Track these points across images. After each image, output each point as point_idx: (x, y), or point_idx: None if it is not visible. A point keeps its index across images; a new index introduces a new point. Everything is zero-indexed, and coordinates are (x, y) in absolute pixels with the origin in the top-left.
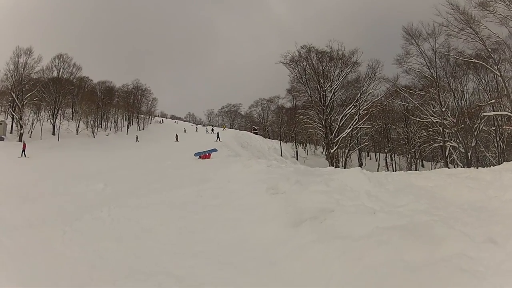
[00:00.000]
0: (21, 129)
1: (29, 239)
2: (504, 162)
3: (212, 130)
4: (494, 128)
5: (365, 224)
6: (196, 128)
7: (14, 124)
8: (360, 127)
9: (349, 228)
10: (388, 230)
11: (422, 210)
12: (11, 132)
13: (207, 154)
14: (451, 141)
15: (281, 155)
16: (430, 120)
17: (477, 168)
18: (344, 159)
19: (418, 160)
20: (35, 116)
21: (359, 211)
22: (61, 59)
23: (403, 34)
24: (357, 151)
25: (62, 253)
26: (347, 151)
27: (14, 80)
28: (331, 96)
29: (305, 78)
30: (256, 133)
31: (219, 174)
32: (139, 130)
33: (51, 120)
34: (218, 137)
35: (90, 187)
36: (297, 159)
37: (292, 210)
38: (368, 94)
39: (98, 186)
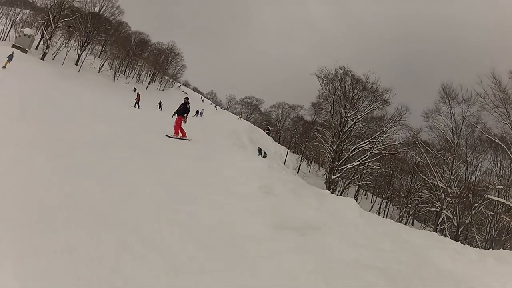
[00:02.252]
0: (47, 49)
1: None
2: (491, 249)
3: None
4: (492, 213)
5: (344, 252)
6: (215, 107)
7: (42, 42)
8: (368, 165)
9: (327, 251)
10: (366, 267)
11: (403, 262)
12: (36, 48)
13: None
14: (448, 211)
15: (284, 163)
16: (436, 183)
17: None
18: (341, 189)
19: (410, 217)
20: (64, 41)
21: (343, 238)
22: None
23: (440, 90)
24: (356, 186)
25: None
26: (347, 182)
27: (55, 1)
28: (351, 125)
29: (333, 98)
30: (268, 134)
31: (222, 157)
32: (159, 89)
33: (78, 50)
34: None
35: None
36: (297, 172)
37: (278, 214)
38: (387, 136)
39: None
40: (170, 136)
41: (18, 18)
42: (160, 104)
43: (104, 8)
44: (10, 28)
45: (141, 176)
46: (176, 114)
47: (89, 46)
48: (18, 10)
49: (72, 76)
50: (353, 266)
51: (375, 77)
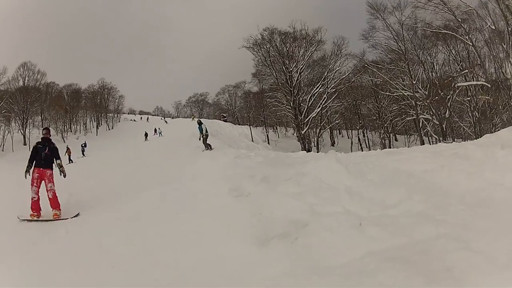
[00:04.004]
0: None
1: None
2: (487, 134)
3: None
4: (468, 98)
5: (349, 246)
6: (165, 121)
7: None
8: (330, 106)
9: (328, 253)
10: (381, 260)
11: (419, 212)
12: None
13: None
14: (424, 114)
15: (252, 141)
16: (401, 93)
17: (453, 140)
18: (316, 139)
19: (391, 135)
20: (5, 128)
21: (340, 222)
22: (25, 67)
23: (367, 8)
24: (329, 130)
25: None
26: (318, 130)
27: None
28: (298, 77)
29: (270, 60)
30: (225, 121)
31: (185, 170)
32: (108, 129)
33: (21, 131)
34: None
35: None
36: (268, 143)
37: (257, 222)
38: (335, 72)
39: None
40: (29, 219)
41: None
42: (82, 149)
43: (26, 79)
44: None
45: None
46: (38, 167)
47: (29, 121)
48: None
49: (25, 158)
50: (364, 267)
51: (301, 24)
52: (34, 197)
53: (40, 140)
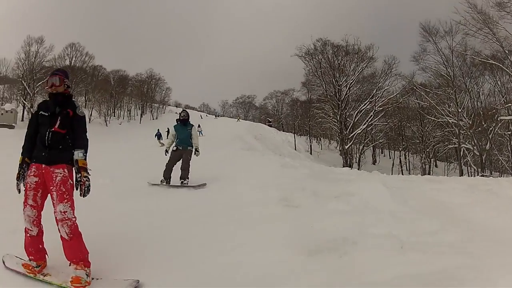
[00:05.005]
0: (77, 103)
1: None
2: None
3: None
4: (509, 132)
5: (390, 266)
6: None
7: (25, 112)
8: (375, 124)
9: (371, 270)
10: (417, 283)
11: (451, 242)
12: (22, 120)
13: None
14: (466, 143)
15: (295, 149)
16: (445, 120)
17: (491, 173)
18: (358, 155)
19: (432, 160)
20: None
21: (384, 244)
22: (73, 48)
23: (420, 31)
24: (371, 148)
25: None
26: (361, 147)
27: (25, 68)
28: (347, 91)
29: (321, 71)
30: (270, 125)
31: (228, 171)
32: (152, 119)
33: None
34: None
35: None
36: (310, 153)
37: (307, 234)
38: (384, 91)
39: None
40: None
41: None
42: (158, 136)
43: (74, 59)
44: None
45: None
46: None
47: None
48: None
49: None
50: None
51: (354, 39)
52: (31, 230)
53: (46, 99)
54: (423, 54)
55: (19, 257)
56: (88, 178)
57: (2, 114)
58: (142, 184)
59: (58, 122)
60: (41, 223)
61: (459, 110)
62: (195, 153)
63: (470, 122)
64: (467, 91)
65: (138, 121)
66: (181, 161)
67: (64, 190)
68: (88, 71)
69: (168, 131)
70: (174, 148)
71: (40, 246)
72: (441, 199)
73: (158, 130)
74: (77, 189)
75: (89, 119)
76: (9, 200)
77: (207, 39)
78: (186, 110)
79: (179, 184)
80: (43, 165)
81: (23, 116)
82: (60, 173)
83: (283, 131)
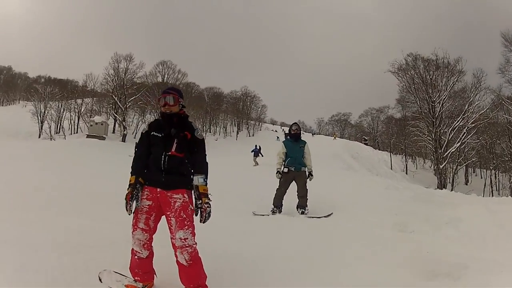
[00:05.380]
0: (124, 130)
1: None
2: None
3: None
4: None
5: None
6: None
7: (116, 125)
8: (468, 142)
9: None
10: None
11: None
12: (113, 132)
13: None
14: None
15: (391, 168)
16: None
17: None
18: (452, 175)
19: None
20: (139, 118)
21: (492, 268)
22: (164, 65)
23: (502, 40)
24: (464, 167)
25: None
26: (455, 167)
27: (115, 84)
28: (440, 108)
29: (414, 87)
30: (366, 144)
31: (336, 194)
32: (248, 136)
33: None
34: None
35: None
36: (406, 173)
37: (423, 258)
38: (475, 106)
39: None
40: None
41: (83, 109)
42: (255, 152)
43: (166, 76)
44: (78, 120)
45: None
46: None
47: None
48: (79, 101)
49: None
50: None
51: (443, 52)
52: (140, 253)
53: (158, 118)
54: (507, 65)
55: (120, 274)
56: (210, 204)
57: (91, 125)
58: (247, 209)
59: (175, 145)
60: (152, 245)
61: None
62: (308, 177)
63: None
64: None
65: (234, 137)
66: (295, 186)
67: (184, 216)
68: (181, 88)
69: (257, 149)
70: (285, 170)
71: (149, 268)
72: None
73: (256, 146)
74: (196, 215)
75: None
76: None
77: (300, 57)
78: (297, 123)
79: (299, 214)
80: (158, 189)
81: (114, 128)
82: (180, 199)
83: (379, 149)
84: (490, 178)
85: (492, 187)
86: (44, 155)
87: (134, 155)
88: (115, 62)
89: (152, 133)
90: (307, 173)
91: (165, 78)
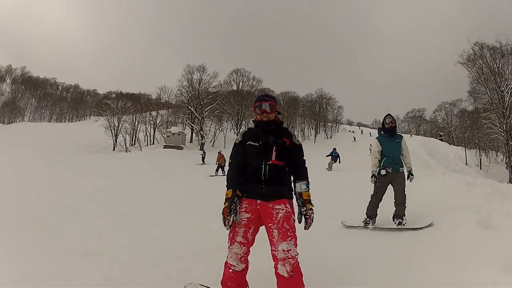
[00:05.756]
0: (202, 139)
1: None
2: None
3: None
4: None
5: None
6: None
7: (194, 135)
8: None
9: None
10: None
11: None
12: (190, 142)
13: None
14: None
15: (466, 164)
16: None
17: None
18: None
19: None
20: (216, 126)
21: None
22: (238, 73)
23: None
24: None
25: None
26: None
27: (190, 95)
28: (509, 97)
29: (483, 78)
30: (441, 139)
31: (424, 196)
32: (326, 138)
33: (235, 130)
34: None
35: None
36: (480, 168)
37: (508, 254)
38: None
39: None
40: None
41: (158, 121)
42: (334, 156)
43: (241, 83)
44: (154, 132)
45: None
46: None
47: (243, 122)
48: (154, 113)
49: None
50: None
51: (506, 39)
52: (235, 266)
53: (252, 125)
54: None
55: (206, 286)
56: (313, 210)
57: (168, 136)
58: (335, 224)
59: (275, 154)
60: (248, 259)
61: None
62: (408, 178)
63: None
64: None
65: (313, 140)
66: (392, 191)
67: (288, 227)
68: (257, 94)
69: (335, 154)
70: (383, 172)
71: (243, 281)
72: None
73: (334, 149)
74: (300, 222)
75: None
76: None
77: (371, 56)
78: (391, 115)
79: (395, 226)
80: (258, 201)
81: (191, 138)
82: (282, 209)
83: (454, 144)
84: None
85: None
86: (126, 165)
87: (229, 166)
88: (188, 74)
89: (248, 142)
90: (406, 174)
91: (240, 86)
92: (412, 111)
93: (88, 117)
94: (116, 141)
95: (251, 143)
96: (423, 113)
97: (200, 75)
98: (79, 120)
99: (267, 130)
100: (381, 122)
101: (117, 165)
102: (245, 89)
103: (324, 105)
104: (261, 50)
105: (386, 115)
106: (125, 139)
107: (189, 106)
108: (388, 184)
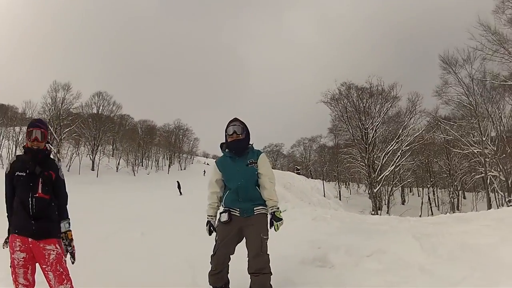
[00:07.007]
0: (58, 162)
1: None
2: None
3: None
4: None
5: None
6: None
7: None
8: (403, 164)
9: None
10: None
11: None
12: None
13: None
14: (492, 171)
15: (324, 195)
16: (470, 150)
17: None
18: (387, 197)
19: (460, 192)
20: (74, 150)
21: None
22: (100, 97)
23: (440, 63)
24: (400, 188)
25: None
26: (390, 189)
27: (51, 114)
28: (373, 134)
29: (347, 116)
30: (298, 173)
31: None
32: (180, 169)
33: (91, 156)
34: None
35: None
36: (340, 199)
37: None
38: (410, 129)
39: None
40: None
41: (20, 138)
42: (178, 186)
43: (101, 107)
44: (15, 149)
45: None
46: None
47: (99, 148)
48: (17, 129)
49: (93, 182)
50: None
51: (377, 79)
52: None
53: (22, 153)
54: (444, 87)
55: None
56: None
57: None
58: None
59: (41, 186)
60: None
61: (483, 139)
62: (271, 225)
63: (495, 149)
64: (489, 117)
65: (166, 171)
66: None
67: (61, 270)
68: (115, 120)
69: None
70: (225, 218)
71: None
72: (470, 242)
73: (178, 182)
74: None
75: (117, 168)
76: None
77: (232, 90)
78: (239, 119)
79: None
80: (30, 239)
81: None
82: (54, 250)
83: (312, 178)
84: (428, 196)
85: (430, 204)
86: None
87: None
88: (53, 91)
89: (16, 173)
90: (268, 217)
91: (100, 110)
92: (270, 145)
93: None
94: None
95: (18, 173)
96: (280, 147)
97: (64, 93)
98: None
99: (35, 159)
100: (224, 133)
101: None
102: (105, 113)
103: (181, 136)
104: (125, 72)
105: (230, 121)
106: None
107: (49, 126)
108: (238, 232)
